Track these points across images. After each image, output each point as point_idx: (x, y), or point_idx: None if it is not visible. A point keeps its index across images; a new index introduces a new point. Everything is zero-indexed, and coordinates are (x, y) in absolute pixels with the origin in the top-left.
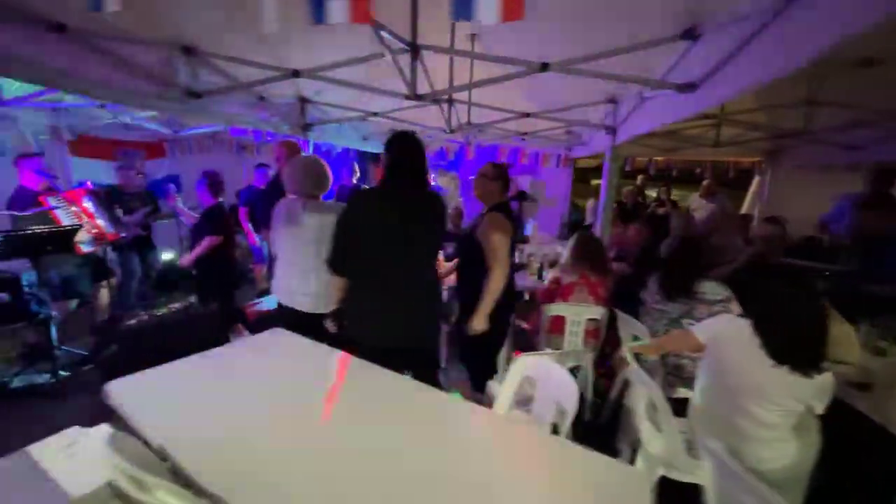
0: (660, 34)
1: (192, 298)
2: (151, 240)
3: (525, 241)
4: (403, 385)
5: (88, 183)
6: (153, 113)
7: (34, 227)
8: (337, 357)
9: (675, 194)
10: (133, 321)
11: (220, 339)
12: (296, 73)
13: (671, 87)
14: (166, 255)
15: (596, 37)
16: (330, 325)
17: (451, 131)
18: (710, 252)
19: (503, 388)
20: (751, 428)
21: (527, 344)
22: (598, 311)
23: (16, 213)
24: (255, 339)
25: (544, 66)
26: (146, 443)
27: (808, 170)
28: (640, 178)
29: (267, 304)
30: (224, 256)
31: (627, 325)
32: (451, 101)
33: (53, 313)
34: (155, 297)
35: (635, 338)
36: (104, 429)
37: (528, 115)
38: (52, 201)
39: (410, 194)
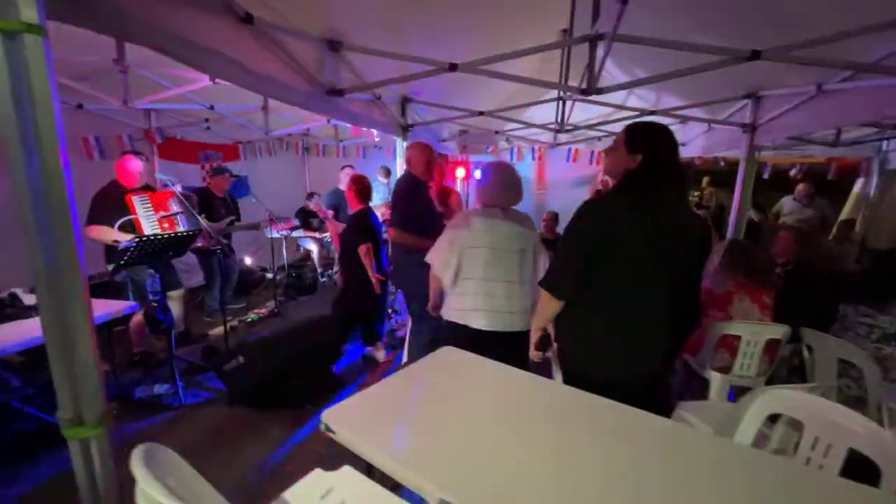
0: None
1: (272, 303)
2: (230, 245)
3: None
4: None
5: (177, 186)
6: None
7: (162, 233)
8: (542, 382)
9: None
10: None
11: (337, 349)
12: (453, 67)
13: None
14: (246, 260)
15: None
16: (535, 355)
17: (565, 130)
18: (825, 260)
19: (745, 422)
20: None
21: None
22: (779, 331)
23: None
24: (436, 358)
25: (755, 54)
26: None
27: None
28: (705, 179)
29: None
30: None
31: (828, 347)
32: (563, 99)
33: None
34: (235, 302)
35: (843, 362)
36: (348, 471)
37: (652, 112)
38: (136, 203)
39: (668, 206)
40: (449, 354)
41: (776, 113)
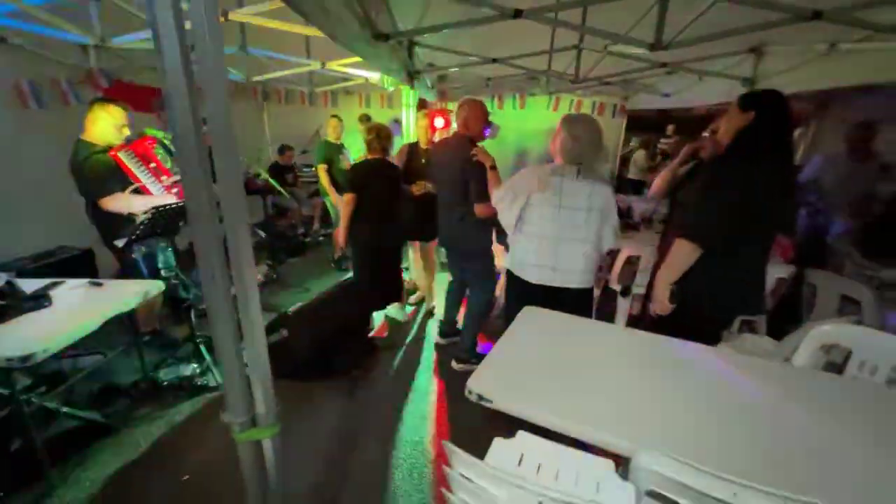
0: None
1: (263, 268)
2: None
3: None
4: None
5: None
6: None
7: (177, 202)
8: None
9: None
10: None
11: (369, 314)
12: (518, 13)
13: None
14: None
15: None
16: (666, 308)
17: (579, 81)
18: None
19: (800, 353)
20: None
21: None
22: (786, 270)
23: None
24: (529, 318)
25: (816, 15)
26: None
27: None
28: (669, 127)
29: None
30: (370, 220)
31: (832, 285)
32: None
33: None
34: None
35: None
36: (525, 436)
37: (664, 64)
38: (125, 160)
39: (786, 170)
40: (537, 314)
41: (783, 68)
